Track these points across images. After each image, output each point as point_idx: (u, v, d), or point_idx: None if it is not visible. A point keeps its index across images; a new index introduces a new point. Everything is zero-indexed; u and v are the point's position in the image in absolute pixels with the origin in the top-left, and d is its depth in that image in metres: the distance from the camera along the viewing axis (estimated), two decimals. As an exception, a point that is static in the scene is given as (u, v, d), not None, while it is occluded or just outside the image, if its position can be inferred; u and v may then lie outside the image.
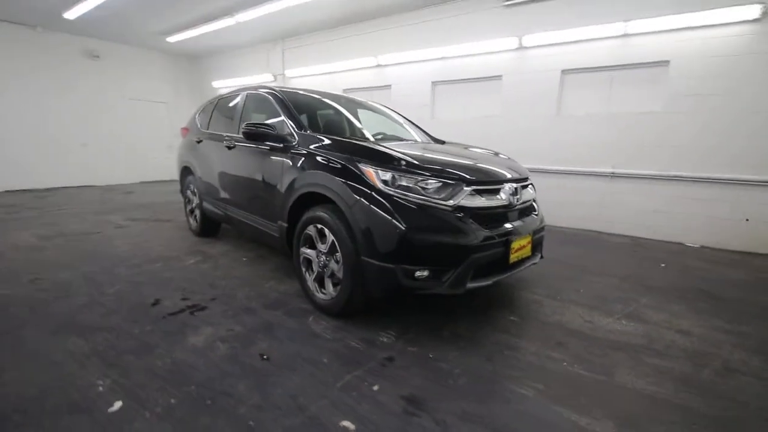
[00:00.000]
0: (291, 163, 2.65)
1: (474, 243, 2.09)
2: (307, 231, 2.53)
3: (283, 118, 2.94)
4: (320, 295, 2.50)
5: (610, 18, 4.70)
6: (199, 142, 4.14)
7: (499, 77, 5.77)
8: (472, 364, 2.00)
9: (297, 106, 3.06)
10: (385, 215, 2.04)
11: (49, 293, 2.76)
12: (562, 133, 5.35)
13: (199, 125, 4.40)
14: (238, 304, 2.64)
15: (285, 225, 2.74)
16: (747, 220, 4.32)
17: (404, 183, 2.13)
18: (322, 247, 2.41)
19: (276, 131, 2.81)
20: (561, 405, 1.70)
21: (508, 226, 2.33)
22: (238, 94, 3.74)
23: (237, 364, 1.93)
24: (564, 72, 5.24)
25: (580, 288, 3.13)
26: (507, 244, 2.25)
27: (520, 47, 5.45)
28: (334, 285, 2.40)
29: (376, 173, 2.14)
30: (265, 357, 1.99)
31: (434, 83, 6.47)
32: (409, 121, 4.04)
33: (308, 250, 2.56)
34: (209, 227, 4.37)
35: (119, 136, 9.30)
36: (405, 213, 2.04)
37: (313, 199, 2.52)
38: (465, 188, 2.18)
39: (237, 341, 2.15)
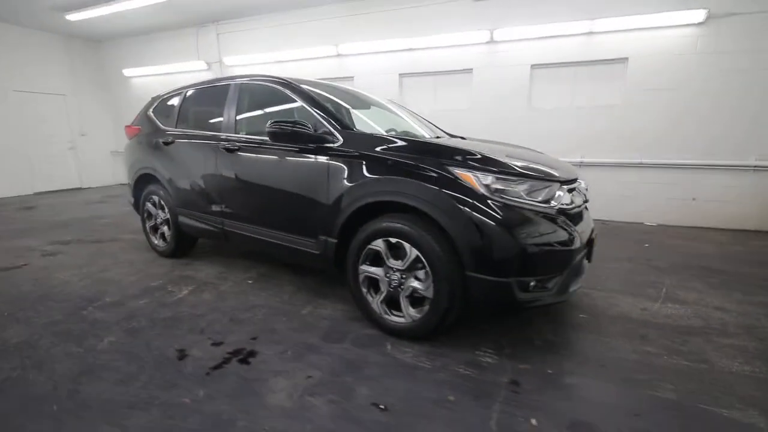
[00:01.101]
0: (344, 168, 2.24)
1: (575, 244, 1.99)
2: (372, 246, 2.18)
3: (313, 113, 2.50)
4: (393, 318, 2.18)
5: (578, 15, 4.98)
6: (168, 143, 3.38)
7: (470, 70, 5.80)
8: (594, 374, 1.89)
9: (323, 99, 2.63)
10: (496, 225, 1.81)
11: (10, 364, 1.98)
12: (532, 126, 5.58)
13: (159, 124, 3.62)
14: (290, 341, 2.18)
15: (334, 240, 2.34)
16: (694, 199, 4.99)
17: (500, 186, 1.92)
18: (397, 264, 2.10)
19: (311, 130, 2.37)
20: (706, 404, 1.68)
21: (587, 224, 2.28)
22: (225, 85, 3.12)
23: (354, 423, 1.55)
24: (533, 66, 5.45)
25: (607, 275, 3.25)
26: (591, 243, 2.20)
27: (491, 41, 5.52)
28: (413, 305, 2.12)
29: (476, 178, 1.90)
30: (381, 406, 1.64)
31: (402, 75, 6.26)
32: (417, 115, 3.81)
33: (372, 268, 2.21)
34: (184, 245, 3.64)
35: (1, 137, 7.36)
36: (516, 220, 1.84)
37: (374, 209, 2.18)
38: (559, 189, 2.05)
39: (329, 391, 1.75)
